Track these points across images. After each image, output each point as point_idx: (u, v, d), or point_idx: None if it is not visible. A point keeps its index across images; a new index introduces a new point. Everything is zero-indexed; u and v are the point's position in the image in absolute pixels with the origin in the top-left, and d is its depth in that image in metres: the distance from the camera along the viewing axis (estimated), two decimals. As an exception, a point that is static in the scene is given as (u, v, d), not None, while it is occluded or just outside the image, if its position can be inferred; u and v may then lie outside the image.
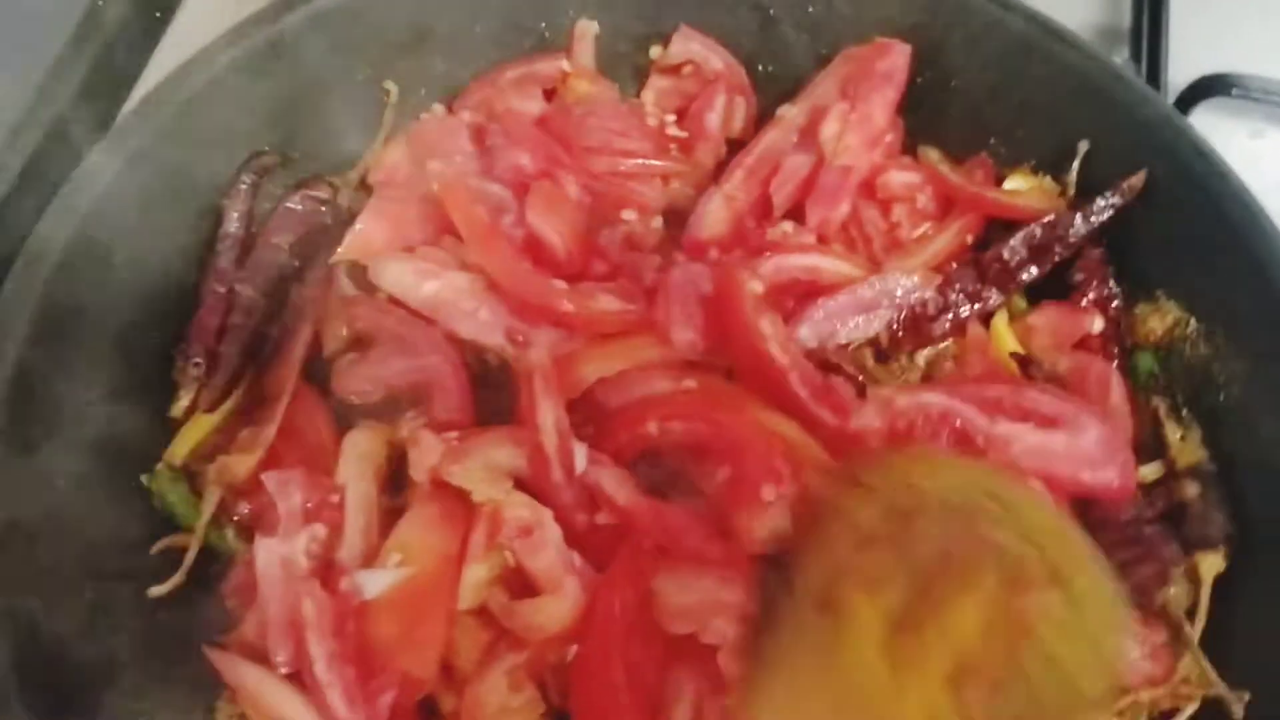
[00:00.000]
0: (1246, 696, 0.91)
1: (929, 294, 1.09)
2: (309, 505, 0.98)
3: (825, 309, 1.08)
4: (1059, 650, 0.74)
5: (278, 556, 0.94)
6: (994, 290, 1.11)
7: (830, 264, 1.11)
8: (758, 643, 0.79)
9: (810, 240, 1.13)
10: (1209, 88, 1.35)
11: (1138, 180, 1.07)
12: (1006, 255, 1.10)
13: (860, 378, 1.06)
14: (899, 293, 1.09)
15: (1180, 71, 1.43)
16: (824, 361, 1.06)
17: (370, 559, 0.96)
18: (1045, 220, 1.10)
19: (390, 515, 0.99)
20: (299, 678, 0.91)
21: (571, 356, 1.04)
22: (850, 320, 1.08)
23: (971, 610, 0.74)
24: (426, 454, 0.97)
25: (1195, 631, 0.94)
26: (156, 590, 0.96)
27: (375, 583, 0.93)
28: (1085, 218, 1.09)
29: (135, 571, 0.96)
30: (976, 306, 1.10)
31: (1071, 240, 1.10)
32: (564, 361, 1.03)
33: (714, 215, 1.15)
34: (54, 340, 0.95)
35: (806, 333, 1.07)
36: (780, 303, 1.08)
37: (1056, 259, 1.11)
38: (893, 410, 1.00)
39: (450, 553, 0.95)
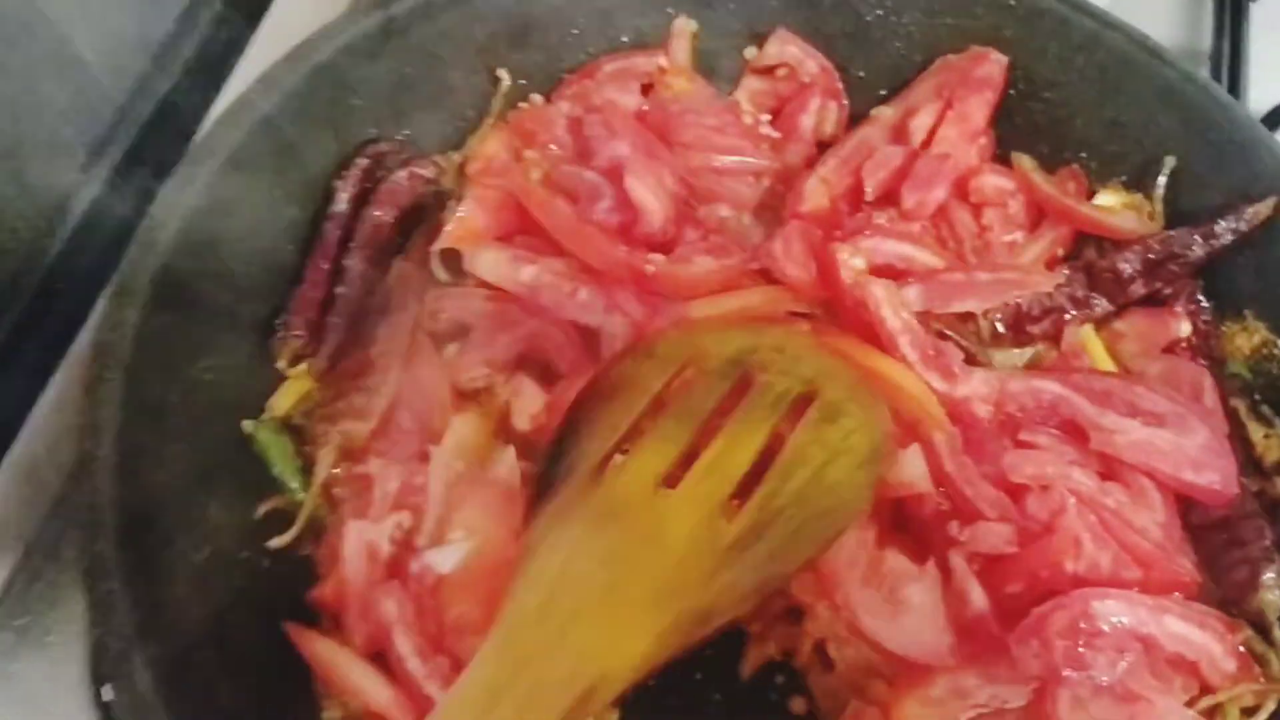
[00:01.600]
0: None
1: (1043, 289, 1.10)
2: (401, 489, 0.99)
3: (938, 280, 1.09)
4: (827, 474, 0.84)
5: (364, 541, 0.96)
6: (1103, 299, 1.12)
7: (926, 256, 1.12)
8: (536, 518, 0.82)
9: (915, 230, 1.15)
10: (1292, 112, 1.36)
11: (1265, 207, 1.06)
12: (1121, 266, 1.11)
13: (969, 349, 1.08)
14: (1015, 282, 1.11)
15: (1259, 96, 1.44)
16: (929, 327, 1.08)
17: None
18: (1162, 238, 1.11)
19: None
20: (378, 657, 0.92)
21: (681, 305, 1.07)
22: (959, 297, 1.09)
23: (743, 441, 0.83)
24: (530, 402, 1.00)
25: None
26: (276, 541, 0.98)
27: (446, 559, 0.94)
28: (1205, 239, 1.09)
29: (245, 534, 0.98)
30: (1082, 313, 1.11)
31: (1189, 260, 1.10)
32: (673, 309, 1.06)
33: (813, 192, 1.16)
34: (172, 309, 0.96)
35: (913, 296, 1.08)
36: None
37: (1169, 277, 1.11)
38: (1005, 392, 1.03)
39: (515, 524, 0.95)
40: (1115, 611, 0.92)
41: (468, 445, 1.04)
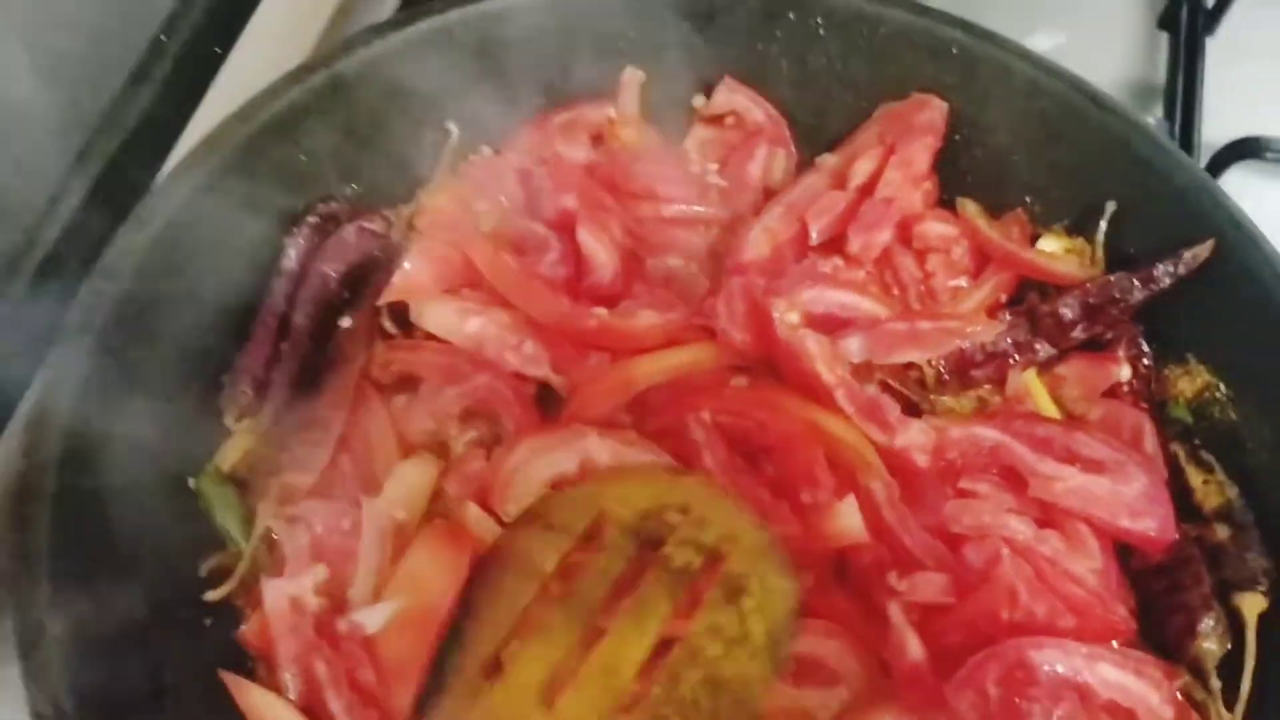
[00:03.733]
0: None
1: (984, 339, 1.12)
2: (328, 536, 1.00)
3: (880, 330, 1.10)
4: (725, 670, 0.79)
5: (286, 596, 0.96)
6: (1045, 344, 1.13)
7: (868, 304, 1.13)
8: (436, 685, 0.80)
9: (858, 277, 1.16)
10: (1242, 150, 1.37)
11: (1203, 250, 1.07)
12: (1062, 311, 1.12)
13: (912, 397, 1.10)
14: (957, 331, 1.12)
15: (1213, 130, 1.45)
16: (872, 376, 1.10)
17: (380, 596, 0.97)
18: (1102, 282, 1.12)
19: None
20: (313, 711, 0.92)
21: (623, 362, 1.09)
22: (901, 348, 1.10)
23: (633, 639, 0.78)
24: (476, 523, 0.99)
25: (1246, 674, 0.94)
26: (213, 594, 0.99)
27: (373, 619, 0.94)
28: (1144, 284, 1.10)
29: (184, 585, 0.99)
30: (1025, 358, 1.12)
31: (1129, 304, 1.11)
32: (616, 366, 1.08)
33: (756, 241, 1.18)
34: (115, 365, 0.97)
35: (855, 347, 1.09)
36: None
37: (1110, 320, 1.12)
38: (945, 439, 1.04)
39: (456, 575, 0.95)
40: (1050, 660, 0.93)
41: (415, 494, 1.04)
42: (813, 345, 1.05)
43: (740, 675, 0.80)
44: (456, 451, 1.09)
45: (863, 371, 1.10)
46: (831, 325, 1.11)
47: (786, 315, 1.07)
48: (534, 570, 0.81)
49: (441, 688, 0.80)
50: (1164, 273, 1.10)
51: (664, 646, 0.79)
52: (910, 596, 0.97)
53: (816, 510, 1.00)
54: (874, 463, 1.02)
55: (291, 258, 1.12)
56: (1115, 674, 0.93)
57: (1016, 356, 1.13)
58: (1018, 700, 0.91)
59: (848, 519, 0.98)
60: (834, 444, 1.03)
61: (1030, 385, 1.13)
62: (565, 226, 1.16)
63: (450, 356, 1.11)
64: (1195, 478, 1.06)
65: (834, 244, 1.19)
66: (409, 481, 1.05)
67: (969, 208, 1.21)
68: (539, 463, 1.04)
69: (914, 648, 0.94)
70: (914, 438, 1.04)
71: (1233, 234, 1.07)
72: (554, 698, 0.75)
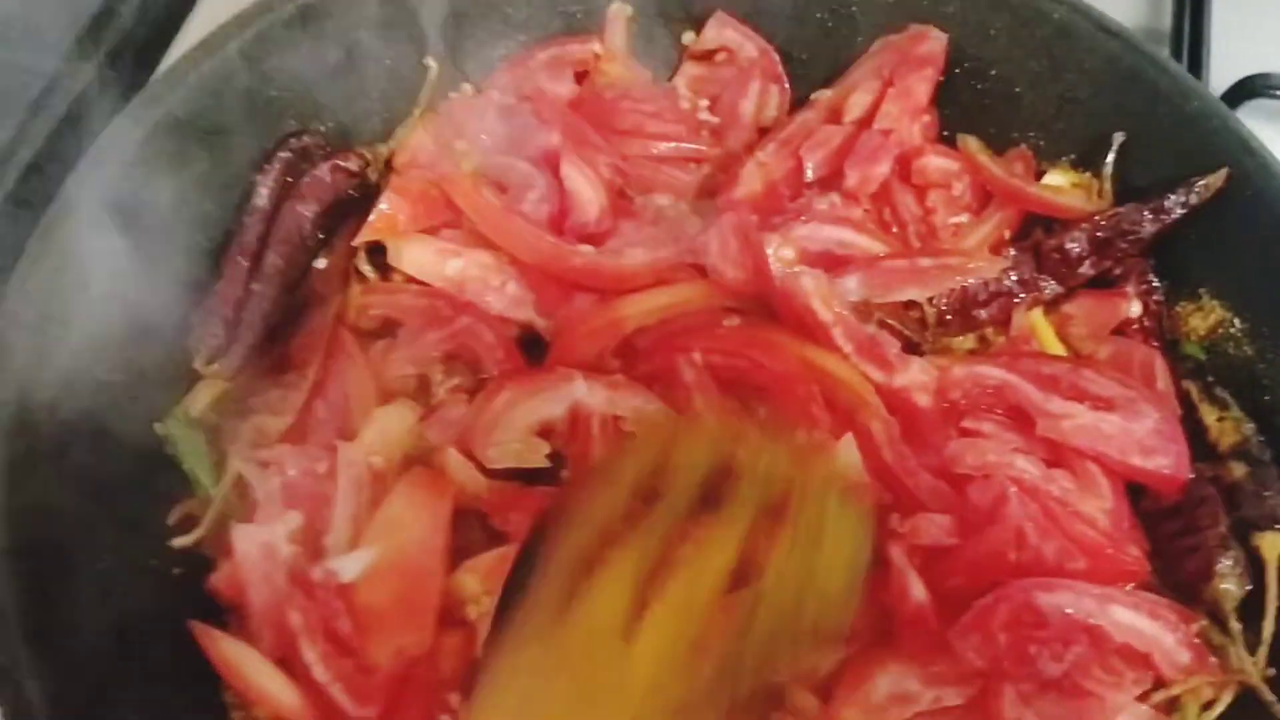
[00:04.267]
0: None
1: (987, 275, 1.07)
2: (301, 481, 0.95)
3: (878, 268, 1.06)
4: (794, 593, 0.76)
5: (257, 543, 0.92)
6: (1051, 281, 1.08)
7: (865, 241, 1.08)
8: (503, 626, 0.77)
9: (856, 214, 1.11)
10: (1251, 88, 1.33)
11: (1216, 179, 1.03)
12: (1069, 246, 1.07)
13: (912, 337, 1.06)
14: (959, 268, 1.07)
15: (1220, 75, 1.41)
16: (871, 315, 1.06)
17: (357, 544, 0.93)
18: (1110, 215, 1.07)
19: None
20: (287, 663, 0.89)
21: (610, 303, 1.04)
22: (900, 285, 1.06)
23: (710, 565, 0.75)
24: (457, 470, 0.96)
25: (1269, 616, 0.90)
26: (180, 541, 0.95)
27: (349, 568, 0.90)
28: (1155, 215, 1.05)
29: (152, 533, 0.95)
30: (1030, 296, 1.08)
31: (1139, 237, 1.06)
32: (602, 307, 1.03)
33: (749, 177, 1.13)
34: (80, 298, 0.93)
35: (852, 285, 1.05)
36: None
37: (1119, 255, 1.08)
38: (948, 378, 1.00)
39: (436, 522, 0.93)
40: (1060, 602, 0.88)
41: (392, 440, 1.00)
42: (808, 282, 1.00)
43: (816, 610, 0.77)
44: (438, 397, 1.05)
45: (861, 311, 1.05)
46: (828, 263, 1.06)
47: (781, 251, 1.02)
48: (601, 515, 0.78)
49: (510, 633, 0.76)
50: (1175, 203, 1.05)
51: (739, 582, 0.76)
52: (913, 539, 0.93)
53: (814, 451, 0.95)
54: (872, 401, 0.98)
55: (263, 196, 1.07)
56: (1129, 616, 0.89)
57: (1022, 294, 1.08)
58: (1027, 645, 0.87)
59: (846, 457, 0.94)
60: (830, 383, 0.99)
61: (1036, 324, 1.08)
62: (549, 163, 1.12)
63: (430, 299, 1.07)
64: (1209, 415, 1.01)
65: (831, 180, 1.14)
66: (386, 427, 1.00)
67: (971, 144, 1.17)
68: (522, 408, 1.00)
69: (918, 591, 0.90)
70: (915, 376, 1.00)
71: (1246, 161, 1.02)
72: (631, 634, 0.72)
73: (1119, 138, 1.11)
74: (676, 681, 0.72)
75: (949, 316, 1.09)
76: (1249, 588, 0.92)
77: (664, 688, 0.72)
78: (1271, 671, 0.89)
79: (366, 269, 1.11)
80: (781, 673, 0.80)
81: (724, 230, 1.06)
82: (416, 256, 1.08)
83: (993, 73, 1.17)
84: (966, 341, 1.09)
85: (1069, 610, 0.88)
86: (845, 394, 0.98)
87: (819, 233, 1.07)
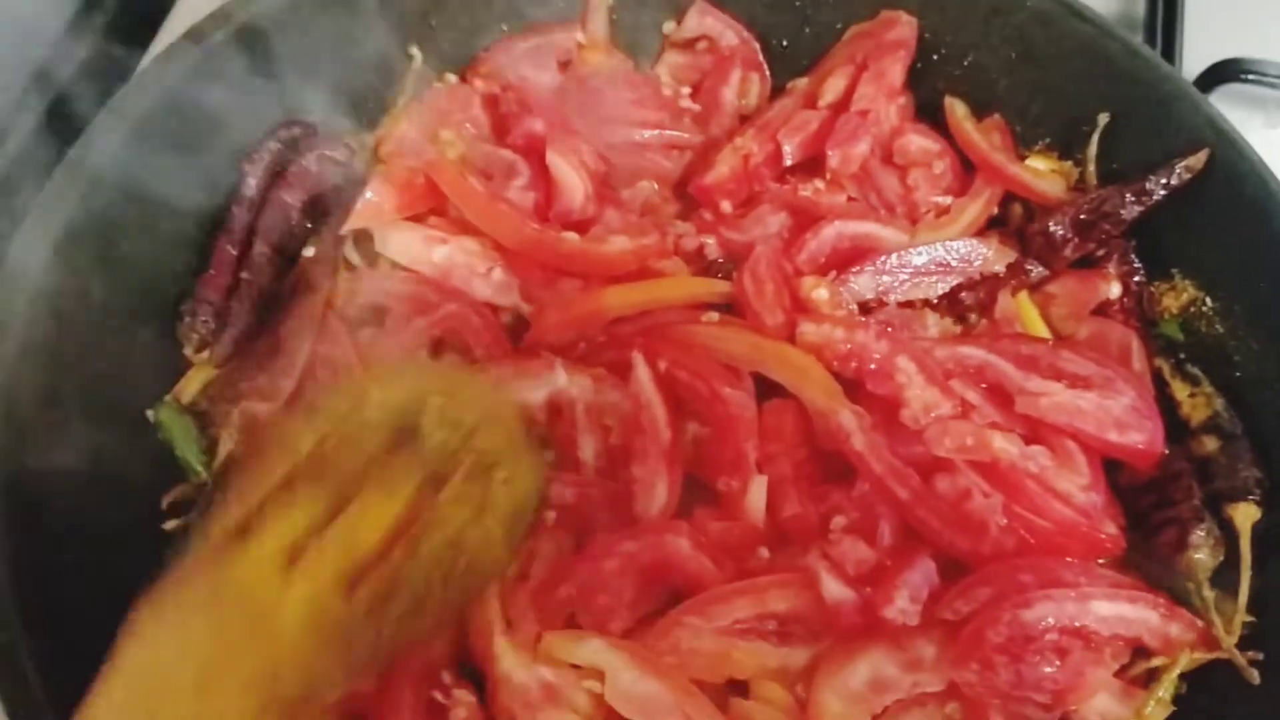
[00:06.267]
0: (1260, 657, 0.90)
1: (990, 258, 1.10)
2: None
3: (887, 264, 1.08)
4: (466, 535, 0.80)
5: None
6: (1037, 265, 1.10)
7: (889, 233, 1.12)
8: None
9: (840, 199, 1.13)
10: (1223, 73, 1.34)
11: (1197, 160, 1.04)
12: (1053, 229, 1.09)
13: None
14: (970, 258, 1.10)
15: (1195, 59, 1.43)
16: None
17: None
18: (1094, 198, 1.09)
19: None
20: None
21: (593, 291, 1.06)
22: (909, 281, 1.09)
23: (376, 512, 0.77)
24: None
25: (1243, 584, 0.92)
26: (171, 524, 0.96)
27: None
28: (1137, 197, 1.07)
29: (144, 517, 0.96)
30: (1017, 279, 1.10)
31: (1121, 219, 1.08)
32: (585, 295, 1.04)
33: (723, 163, 1.15)
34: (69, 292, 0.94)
35: (862, 285, 1.08)
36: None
37: (1102, 237, 1.09)
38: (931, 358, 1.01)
39: None
40: (1042, 615, 0.88)
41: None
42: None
43: (480, 541, 0.81)
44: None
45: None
46: (853, 257, 1.10)
47: (816, 293, 1.05)
48: (290, 449, 0.80)
49: (187, 553, 0.78)
50: (1156, 185, 1.07)
51: (413, 519, 0.79)
52: (833, 552, 0.93)
53: (731, 498, 0.97)
54: (837, 395, 0.98)
55: (251, 185, 1.08)
56: (1109, 608, 0.90)
57: (1009, 279, 1.10)
58: (1027, 662, 0.88)
59: (755, 499, 0.96)
60: (800, 379, 1.00)
61: (1021, 306, 1.10)
62: (533, 151, 1.13)
63: (417, 286, 1.08)
64: (1181, 391, 1.03)
65: (812, 166, 1.16)
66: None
67: (958, 109, 1.19)
68: (504, 391, 1.01)
69: (832, 589, 0.91)
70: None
71: (1217, 143, 1.04)
72: (295, 560, 0.75)
73: (1103, 119, 1.12)
74: (323, 625, 0.74)
75: (935, 301, 1.11)
76: (1222, 558, 0.94)
77: (311, 631, 0.73)
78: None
79: (354, 256, 1.12)
80: (430, 619, 0.82)
81: (759, 272, 1.06)
82: (403, 244, 1.09)
83: (968, 60, 1.19)
84: (950, 324, 1.11)
85: (1052, 620, 0.88)
86: (812, 391, 0.99)
87: (845, 229, 1.10)
